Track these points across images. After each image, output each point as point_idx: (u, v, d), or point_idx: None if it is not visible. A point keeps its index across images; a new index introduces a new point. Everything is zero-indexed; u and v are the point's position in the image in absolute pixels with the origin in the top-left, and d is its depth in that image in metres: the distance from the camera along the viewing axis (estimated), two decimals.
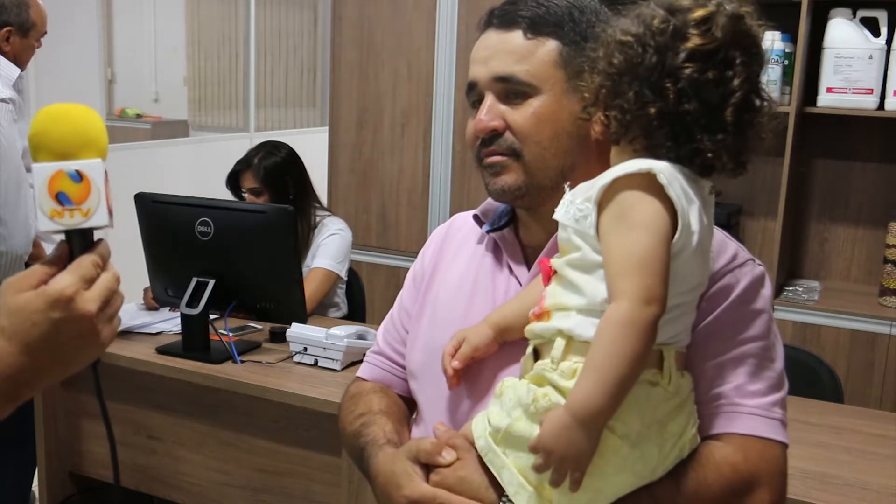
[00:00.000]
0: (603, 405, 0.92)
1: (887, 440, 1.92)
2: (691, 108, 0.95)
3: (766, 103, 0.98)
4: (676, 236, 0.95)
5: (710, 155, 0.96)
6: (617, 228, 0.96)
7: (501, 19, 1.16)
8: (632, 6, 1.01)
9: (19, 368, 0.79)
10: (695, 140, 0.96)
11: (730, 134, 0.96)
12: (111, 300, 0.84)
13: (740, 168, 1.00)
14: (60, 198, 0.85)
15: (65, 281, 0.81)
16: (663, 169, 0.95)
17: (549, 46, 1.14)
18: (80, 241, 0.86)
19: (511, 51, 1.14)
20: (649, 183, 0.95)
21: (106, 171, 0.87)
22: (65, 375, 0.84)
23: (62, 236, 0.86)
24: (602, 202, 0.97)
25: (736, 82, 0.95)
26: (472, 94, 1.19)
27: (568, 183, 1.06)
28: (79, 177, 0.85)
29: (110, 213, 0.88)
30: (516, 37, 1.15)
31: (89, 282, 0.83)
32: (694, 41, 0.95)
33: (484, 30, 1.19)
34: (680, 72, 0.94)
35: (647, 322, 0.92)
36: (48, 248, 2.90)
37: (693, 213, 0.96)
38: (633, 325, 0.92)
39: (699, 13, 0.95)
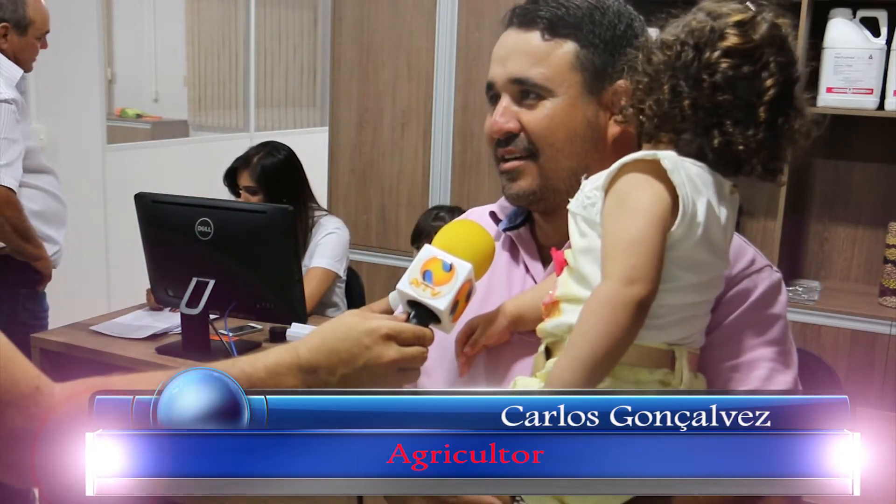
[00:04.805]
0: (573, 382, 0.92)
1: (887, 440, 1.92)
2: (724, 100, 0.97)
3: (799, 114, 1.00)
4: (677, 222, 0.95)
5: (740, 147, 0.97)
6: (614, 212, 0.97)
7: (521, 19, 1.16)
8: (672, 15, 1.04)
9: (315, 364, 0.99)
10: (726, 133, 0.97)
11: (761, 131, 0.97)
12: (406, 368, 1.03)
13: (769, 175, 1.02)
14: (426, 274, 1.04)
15: (388, 324, 1.02)
16: (668, 155, 0.97)
17: (567, 48, 1.14)
18: (416, 313, 1.05)
19: (528, 52, 1.14)
20: (652, 168, 0.97)
21: (472, 282, 1.06)
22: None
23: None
24: (607, 189, 0.99)
25: (769, 81, 0.97)
26: (490, 93, 1.20)
27: (585, 175, 1.07)
28: (449, 268, 1.04)
29: (452, 311, 1.05)
30: (534, 38, 1.14)
31: (403, 342, 1.02)
32: (732, 40, 0.97)
33: (505, 28, 1.19)
34: (716, 66, 0.97)
35: (629, 301, 0.92)
36: (50, 249, 2.90)
37: (700, 202, 0.97)
38: (613, 305, 0.92)
39: (739, 17, 0.98)
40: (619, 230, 0.95)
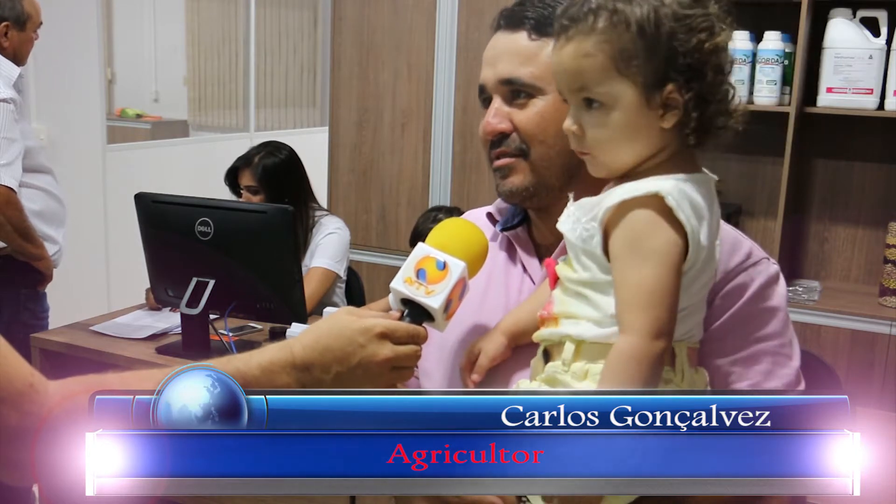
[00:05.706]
0: None
1: (887, 440, 1.92)
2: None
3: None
4: (687, 258, 0.95)
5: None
6: (629, 257, 0.96)
7: (508, 20, 1.17)
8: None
9: (310, 362, 0.99)
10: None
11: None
12: (400, 366, 1.03)
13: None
14: (420, 273, 1.05)
15: (383, 323, 1.02)
16: (671, 191, 0.95)
17: None
18: (410, 312, 1.05)
19: (516, 52, 1.15)
20: (658, 206, 0.95)
21: (465, 281, 1.06)
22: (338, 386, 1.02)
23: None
24: (609, 223, 0.97)
25: None
26: (482, 95, 1.20)
27: (572, 193, 1.06)
28: (443, 266, 1.04)
29: (446, 309, 1.04)
30: (521, 38, 1.15)
31: (397, 341, 1.02)
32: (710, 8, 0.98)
33: (494, 31, 1.20)
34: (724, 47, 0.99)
35: (656, 356, 0.93)
36: (51, 249, 2.90)
37: (703, 228, 0.96)
38: (642, 360, 0.93)
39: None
40: (637, 278, 0.94)
